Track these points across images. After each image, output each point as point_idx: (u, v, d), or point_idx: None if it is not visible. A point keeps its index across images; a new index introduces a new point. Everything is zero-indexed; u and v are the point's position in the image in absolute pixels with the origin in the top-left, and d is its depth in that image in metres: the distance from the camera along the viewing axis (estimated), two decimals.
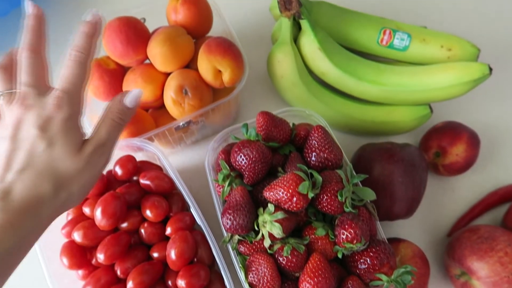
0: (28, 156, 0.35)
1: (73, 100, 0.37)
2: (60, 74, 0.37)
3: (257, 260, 0.43)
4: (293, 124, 0.52)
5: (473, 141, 0.58)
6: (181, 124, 0.55)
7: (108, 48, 0.55)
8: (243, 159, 0.45)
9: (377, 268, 0.43)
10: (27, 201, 0.34)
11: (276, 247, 0.43)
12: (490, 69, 0.53)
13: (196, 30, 0.58)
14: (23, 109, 0.36)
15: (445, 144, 0.58)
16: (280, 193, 0.42)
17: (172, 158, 0.64)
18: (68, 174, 0.36)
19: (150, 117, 0.57)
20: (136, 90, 0.41)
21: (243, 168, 0.45)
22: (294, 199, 0.41)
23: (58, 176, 0.35)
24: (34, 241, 0.35)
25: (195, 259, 0.49)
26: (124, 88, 0.57)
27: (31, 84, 0.37)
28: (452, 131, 0.58)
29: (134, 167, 0.52)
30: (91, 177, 0.38)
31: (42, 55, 0.39)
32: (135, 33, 0.54)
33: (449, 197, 0.62)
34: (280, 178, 0.43)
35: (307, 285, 0.41)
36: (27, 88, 0.36)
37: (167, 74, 0.56)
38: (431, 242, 0.59)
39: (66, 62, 0.38)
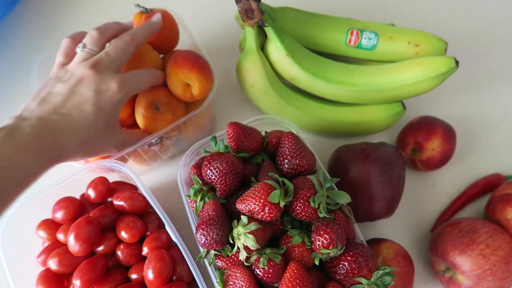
0: (75, 107, 0.43)
1: (130, 90, 0.47)
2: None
3: (234, 273, 0.43)
4: (266, 132, 0.52)
5: (449, 134, 0.58)
6: (153, 140, 0.54)
7: None
8: (213, 173, 0.44)
9: (356, 271, 0.42)
10: (57, 140, 0.42)
11: (252, 259, 0.42)
12: (457, 62, 0.53)
13: (162, 45, 0.57)
14: (93, 71, 0.45)
15: (420, 139, 0.57)
16: (252, 204, 0.41)
17: (149, 175, 0.63)
18: (94, 140, 0.46)
19: None
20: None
21: (214, 181, 0.45)
22: (266, 209, 0.41)
23: (87, 137, 0.45)
24: (46, 170, 0.42)
25: (174, 277, 0.48)
26: None
27: (111, 57, 0.46)
28: (426, 126, 0.58)
29: (107, 188, 0.52)
30: (105, 150, 0.49)
31: (131, 48, 0.49)
32: None
33: (430, 192, 0.61)
34: (251, 189, 0.42)
35: None
36: (106, 57, 0.46)
37: None
38: (415, 239, 0.59)
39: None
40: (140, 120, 0.54)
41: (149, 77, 0.51)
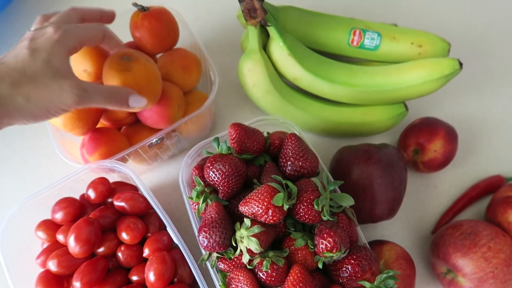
0: (9, 57, 0.40)
1: (69, 32, 0.43)
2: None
3: (236, 276, 0.42)
4: (268, 133, 0.52)
5: (451, 136, 0.57)
6: (154, 140, 0.54)
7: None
8: (216, 174, 0.44)
9: (359, 275, 0.42)
10: None
11: (255, 262, 0.42)
12: (460, 64, 0.52)
13: (160, 44, 0.56)
14: (30, 31, 0.43)
15: (422, 141, 0.57)
16: (255, 206, 0.41)
17: (149, 174, 0.62)
18: (31, 83, 0.40)
19: (123, 137, 0.56)
20: (143, 100, 0.48)
21: (217, 183, 0.44)
22: (270, 212, 0.40)
23: (20, 78, 0.39)
24: None
25: (175, 279, 0.48)
26: None
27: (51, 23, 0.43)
28: (428, 127, 0.58)
29: (108, 189, 0.51)
30: (53, 101, 0.41)
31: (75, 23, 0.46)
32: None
33: (431, 194, 0.61)
34: (254, 191, 0.42)
35: None
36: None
37: None
38: (417, 240, 0.59)
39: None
40: (109, 75, 0.49)
41: (97, 29, 0.47)
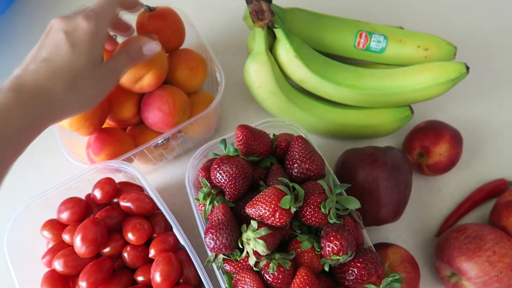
0: (49, 53, 0.40)
1: (100, 19, 0.43)
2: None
3: (243, 278, 0.42)
4: (274, 135, 0.52)
5: (456, 139, 0.58)
6: (160, 141, 0.54)
7: None
8: (222, 176, 0.44)
9: (365, 278, 0.42)
10: (39, 88, 0.38)
11: (261, 264, 0.42)
12: (467, 68, 0.52)
13: (166, 44, 0.56)
14: (56, 19, 0.42)
15: (428, 144, 0.57)
16: (262, 209, 0.41)
17: (154, 175, 0.62)
18: (83, 79, 0.41)
19: (129, 137, 0.56)
20: (154, 45, 0.48)
21: (224, 185, 0.44)
22: (277, 214, 0.41)
23: (73, 76, 0.40)
24: (43, 127, 0.40)
25: (181, 280, 0.48)
26: None
27: (75, 12, 0.43)
28: (434, 130, 0.58)
29: (114, 189, 0.51)
30: (100, 90, 0.44)
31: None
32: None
33: (435, 197, 0.61)
34: (261, 193, 0.42)
35: None
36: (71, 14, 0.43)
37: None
38: (421, 243, 0.59)
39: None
40: None
41: (113, 2, 0.46)
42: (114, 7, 0.46)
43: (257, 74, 0.56)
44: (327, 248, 0.41)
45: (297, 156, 0.46)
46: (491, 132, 0.66)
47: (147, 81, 0.51)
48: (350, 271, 0.43)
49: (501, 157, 0.64)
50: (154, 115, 0.53)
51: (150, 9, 0.55)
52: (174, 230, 0.47)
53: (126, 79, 0.51)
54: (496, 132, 0.66)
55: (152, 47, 0.48)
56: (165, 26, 0.55)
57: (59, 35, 0.41)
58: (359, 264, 0.42)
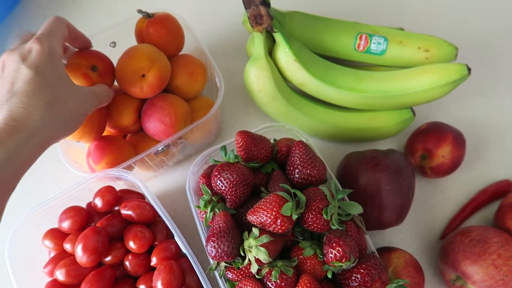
0: (13, 84, 0.39)
1: (51, 39, 0.42)
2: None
3: (245, 286, 0.42)
4: (274, 140, 0.51)
5: (458, 141, 0.57)
6: (160, 148, 0.53)
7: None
8: (223, 184, 0.43)
9: (368, 284, 0.42)
10: (14, 119, 0.37)
11: (264, 271, 0.42)
12: (469, 69, 0.52)
13: (166, 50, 0.56)
14: (5, 53, 0.41)
15: (430, 146, 0.57)
16: (264, 216, 0.41)
17: (155, 181, 0.62)
18: (56, 98, 0.40)
19: (129, 145, 0.56)
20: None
21: (225, 192, 0.44)
22: (278, 221, 0.40)
23: (46, 96, 0.39)
24: (29, 157, 0.39)
25: None
26: None
27: (21, 42, 0.43)
28: (436, 132, 0.57)
29: (114, 197, 0.51)
30: (79, 107, 0.43)
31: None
32: None
33: (439, 199, 0.61)
34: (262, 200, 0.42)
35: None
36: (17, 45, 0.42)
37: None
38: (425, 246, 0.58)
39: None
40: None
41: (60, 22, 0.46)
42: (63, 26, 0.45)
43: (257, 78, 0.56)
44: (330, 255, 0.41)
45: (298, 162, 0.46)
46: (494, 132, 0.65)
47: (150, 79, 0.51)
48: (353, 278, 0.42)
49: (504, 158, 0.63)
50: (155, 127, 0.53)
51: (149, 16, 0.55)
52: (176, 237, 0.46)
53: (129, 72, 0.51)
54: (499, 133, 0.65)
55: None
56: (164, 33, 0.55)
57: (15, 65, 0.40)
58: (362, 270, 0.42)
